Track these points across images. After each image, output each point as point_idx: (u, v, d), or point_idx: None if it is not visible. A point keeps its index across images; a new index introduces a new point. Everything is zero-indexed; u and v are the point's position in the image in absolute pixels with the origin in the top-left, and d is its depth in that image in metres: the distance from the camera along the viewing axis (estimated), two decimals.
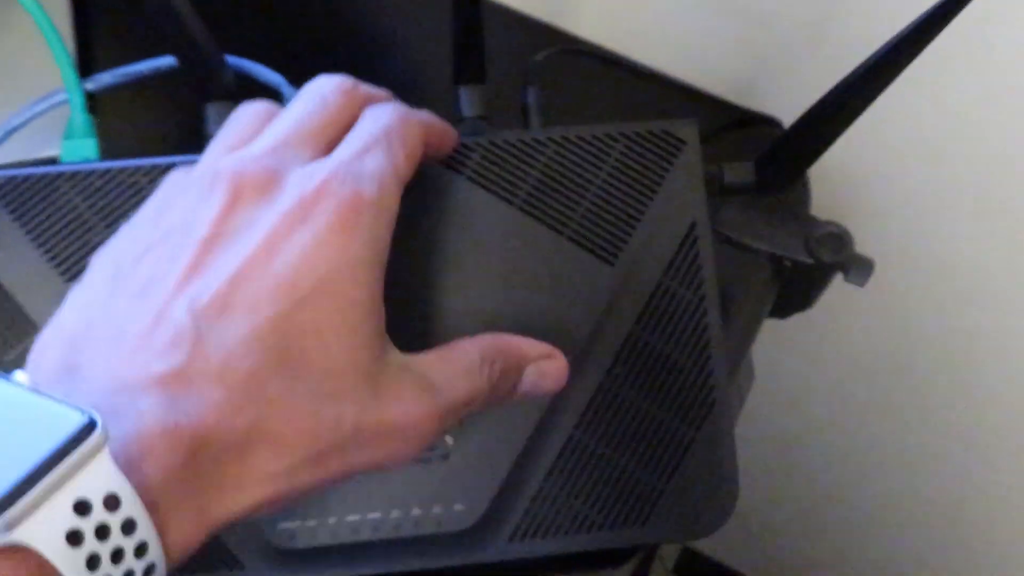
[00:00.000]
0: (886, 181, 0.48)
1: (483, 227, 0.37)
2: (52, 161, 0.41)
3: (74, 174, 0.37)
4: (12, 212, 0.36)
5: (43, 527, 0.21)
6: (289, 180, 0.29)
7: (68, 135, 0.40)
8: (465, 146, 0.37)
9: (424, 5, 0.50)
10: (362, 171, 0.29)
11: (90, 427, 0.22)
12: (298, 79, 0.42)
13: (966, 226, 0.48)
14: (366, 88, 0.33)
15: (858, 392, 0.64)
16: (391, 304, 0.30)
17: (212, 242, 0.27)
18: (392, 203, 0.30)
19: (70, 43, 0.46)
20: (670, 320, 0.37)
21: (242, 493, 0.25)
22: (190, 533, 0.24)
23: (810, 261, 0.44)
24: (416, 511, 0.35)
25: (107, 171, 0.37)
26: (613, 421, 0.36)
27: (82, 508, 0.21)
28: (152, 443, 0.23)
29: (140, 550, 0.23)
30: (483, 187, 0.37)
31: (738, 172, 0.38)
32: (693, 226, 0.37)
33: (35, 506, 0.21)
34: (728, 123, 0.48)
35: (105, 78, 0.42)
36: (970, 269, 0.50)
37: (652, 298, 0.37)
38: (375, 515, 0.35)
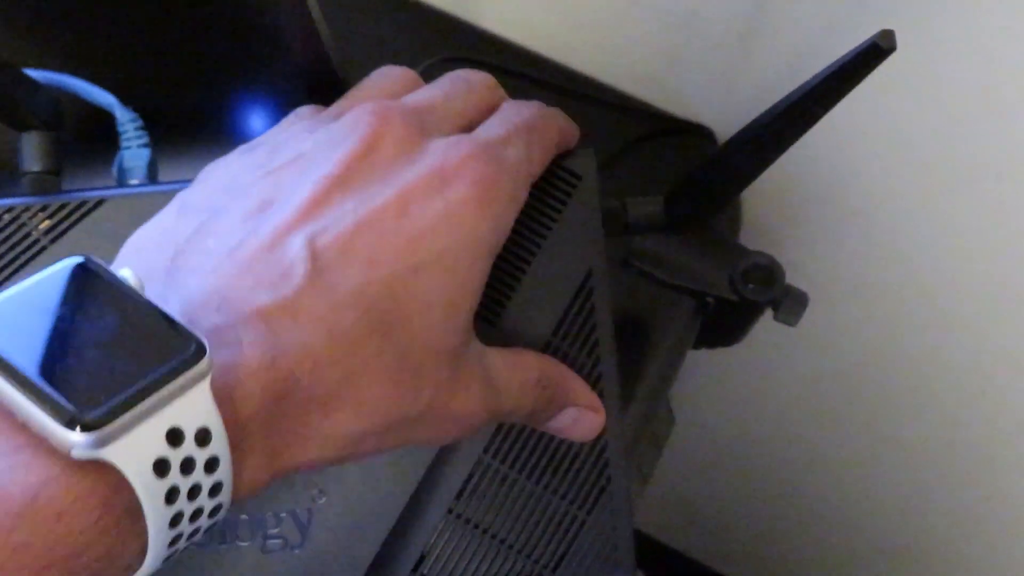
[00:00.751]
0: (827, 196, 0.43)
1: None
2: None
3: None
4: None
5: (133, 451, 0.20)
6: (433, 144, 0.28)
7: None
8: None
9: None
10: (504, 157, 0.28)
11: (199, 354, 0.20)
12: (136, 99, 0.37)
13: (920, 239, 0.43)
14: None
15: (812, 406, 0.60)
16: None
17: (343, 182, 0.26)
18: (522, 196, 0.29)
19: None
20: None
21: (312, 447, 0.24)
22: (257, 478, 0.23)
23: (735, 298, 0.39)
24: None
25: None
26: (494, 501, 0.31)
27: (174, 438, 0.20)
28: (248, 378, 0.22)
29: (215, 490, 0.21)
30: None
31: (643, 209, 0.33)
32: (588, 276, 0.32)
33: (130, 427, 0.19)
34: (652, 131, 0.43)
35: None
36: (923, 287, 0.46)
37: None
38: None
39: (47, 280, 0.21)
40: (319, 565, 0.31)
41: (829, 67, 0.25)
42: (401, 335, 0.25)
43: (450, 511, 0.31)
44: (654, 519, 0.82)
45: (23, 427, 0.20)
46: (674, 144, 0.45)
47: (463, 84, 0.31)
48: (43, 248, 0.31)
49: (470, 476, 0.32)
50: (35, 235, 0.31)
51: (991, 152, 0.40)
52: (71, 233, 0.31)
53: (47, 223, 0.32)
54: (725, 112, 0.41)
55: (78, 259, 0.22)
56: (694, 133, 0.44)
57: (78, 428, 0.19)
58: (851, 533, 0.69)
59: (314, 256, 0.24)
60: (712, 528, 0.78)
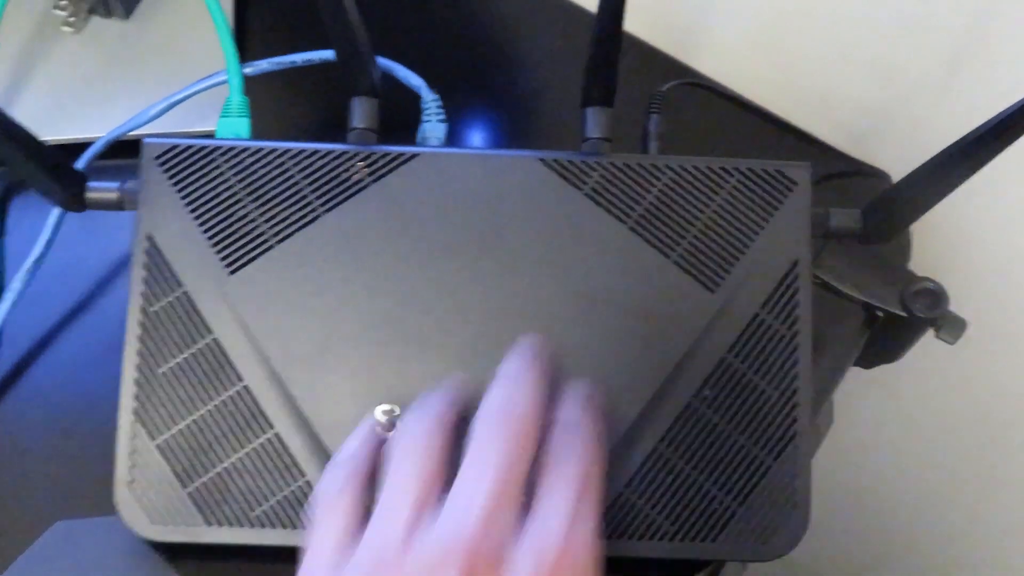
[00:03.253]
0: (990, 241, 0.48)
1: (595, 242, 0.39)
2: (208, 136, 0.44)
3: (228, 149, 0.40)
4: (170, 177, 0.40)
5: None
6: (518, 552, 0.27)
7: (225, 113, 0.43)
8: (587, 164, 0.39)
9: (557, 23, 0.53)
10: (582, 533, 0.28)
11: None
12: (437, 83, 0.45)
13: None
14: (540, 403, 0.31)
15: (938, 451, 0.64)
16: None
17: None
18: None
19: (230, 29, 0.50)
20: (762, 352, 0.39)
21: None
22: None
23: (903, 314, 0.45)
24: None
25: (259, 150, 0.40)
26: (696, 440, 0.38)
27: None
28: None
29: None
30: (599, 204, 0.39)
31: (845, 218, 0.40)
32: (795, 265, 0.39)
33: None
34: (838, 171, 0.49)
35: (263, 65, 0.45)
36: None
37: (747, 328, 0.39)
38: None
39: None
40: None
41: (1014, 104, 0.31)
42: None
43: (660, 441, 0.38)
44: None
45: None
46: (853, 184, 0.51)
47: (509, 443, 0.29)
48: (366, 186, 0.40)
49: (679, 416, 0.38)
50: (359, 175, 0.40)
51: None
52: (388, 178, 0.40)
53: (367, 168, 0.40)
54: (903, 160, 0.47)
55: None
56: (873, 176, 0.50)
57: None
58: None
59: None
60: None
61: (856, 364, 0.49)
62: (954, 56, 0.43)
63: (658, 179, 0.39)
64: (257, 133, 0.45)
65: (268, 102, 0.47)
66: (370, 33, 0.40)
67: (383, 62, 0.43)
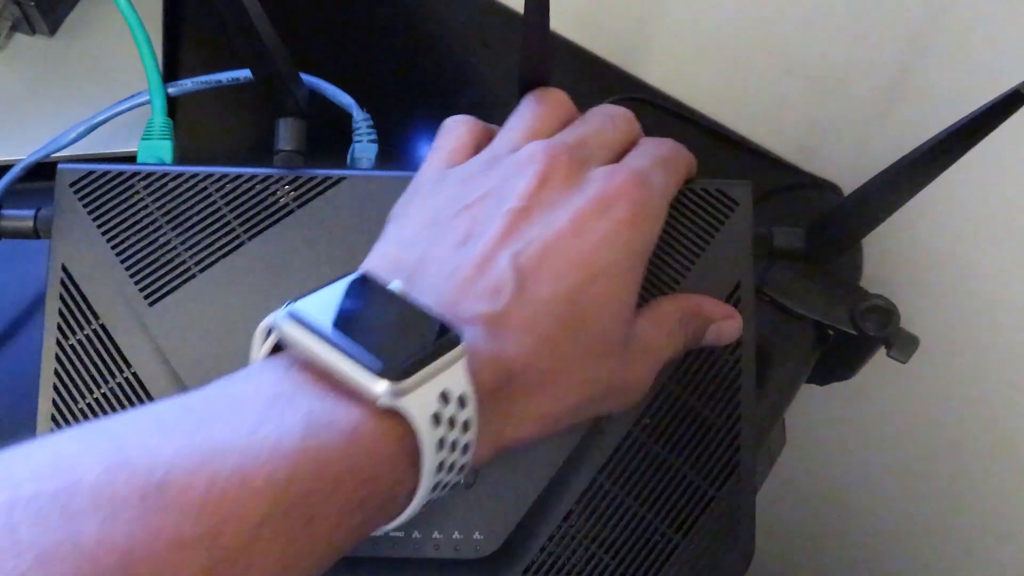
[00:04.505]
0: (944, 253, 0.47)
1: None
2: (130, 158, 0.43)
3: (147, 174, 0.38)
4: (86, 204, 0.38)
5: (418, 404, 0.25)
6: (594, 173, 0.33)
7: (147, 136, 0.42)
8: None
9: (500, 38, 0.51)
10: (651, 182, 0.34)
11: (456, 340, 0.26)
12: (369, 102, 0.43)
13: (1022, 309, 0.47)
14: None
15: (894, 463, 0.63)
16: None
17: (527, 211, 0.32)
18: (663, 215, 0.34)
19: (159, 47, 0.48)
20: (704, 378, 0.37)
21: (524, 425, 0.30)
22: (487, 449, 0.29)
23: (853, 332, 0.44)
24: (437, 535, 0.36)
25: (179, 175, 0.38)
26: (636, 471, 0.37)
27: (444, 398, 0.26)
28: (481, 365, 0.28)
29: (466, 448, 0.27)
30: None
31: (788, 237, 0.39)
32: (737, 287, 0.38)
33: (416, 385, 0.25)
34: (786, 184, 0.48)
35: (187, 84, 0.43)
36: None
37: (690, 355, 0.37)
38: (397, 533, 0.36)
39: (340, 285, 0.28)
40: (485, 504, 0.36)
41: (967, 115, 0.30)
42: (586, 331, 0.31)
43: (599, 474, 0.36)
44: None
45: (334, 382, 0.25)
46: (803, 196, 0.50)
47: (608, 119, 0.37)
48: (291, 211, 0.38)
49: (619, 446, 0.37)
50: (284, 200, 0.38)
51: None
52: (315, 202, 0.38)
53: (293, 193, 0.38)
54: (853, 172, 0.46)
55: (360, 272, 0.29)
56: (823, 188, 0.49)
57: (383, 380, 0.25)
58: None
59: (515, 274, 0.30)
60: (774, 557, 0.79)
61: (810, 381, 0.48)
62: (901, 68, 0.42)
63: None
64: (187, 155, 0.43)
65: (199, 122, 0.45)
66: (298, 51, 0.38)
67: (310, 80, 0.42)
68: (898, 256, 0.48)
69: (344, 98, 0.43)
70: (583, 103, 0.43)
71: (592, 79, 0.51)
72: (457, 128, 0.37)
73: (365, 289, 0.28)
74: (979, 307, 0.48)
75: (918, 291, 0.48)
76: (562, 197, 0.32)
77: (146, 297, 0.37)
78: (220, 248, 0.38)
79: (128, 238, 0.38)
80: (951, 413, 0.54)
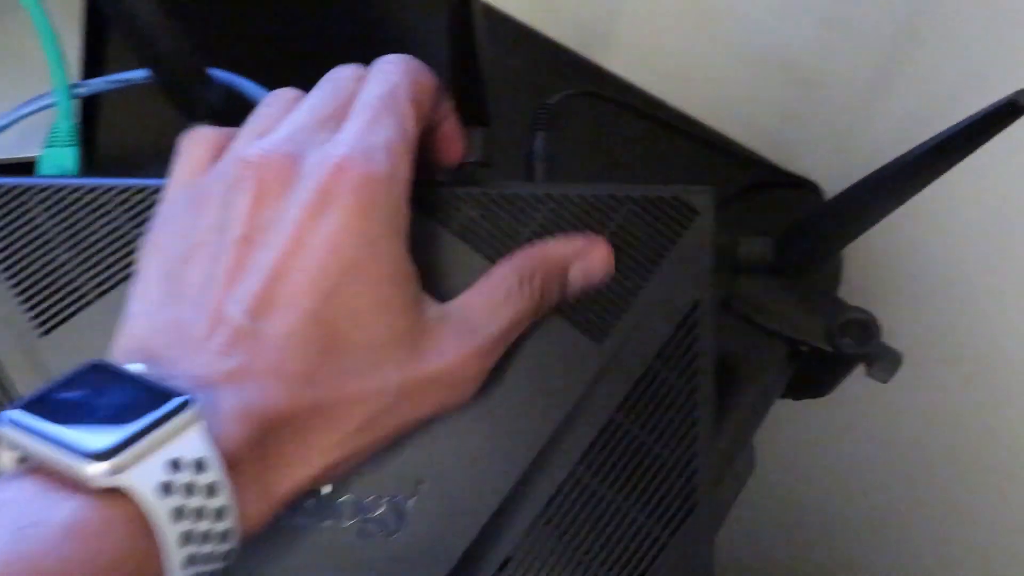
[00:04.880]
0: (929, 263, 0.43)
1: (464, 287, 0.34)
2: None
3: (43, 188, 0.35)
4: None
5: (142, 476, 0.24)
6: (307, 165, 0.29)
7: (51, 142, 0.38)
8: (454, 196, 0.34)
9: (429, 35, 0.47)
10: (373, 145, 0.30)
11: (186, 404, 0.25)
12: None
13: (1014, 320, 0.43)
14: None
15: (874, 479, 0.59)
16: None
17: (247, 241, 0.29)
18: (405, 170, 0.30)
19: (75, 44, 0.44)
20: (656, 409, 0.33)
21: (303, 466, 0.28)
22: (260, 507, 0.27)
23: (829, 349, 0.40)
24: None
25: (77, 188, 0.35)
26: (580, 515, 0.33)
27: (175, 465, 0.24)
28: (230, 425, 0.26)
29: (220, 513, 0.25)
30: (467, 242, 0.34)
31: (756, 248, 0.35)
32: (695, 307, 0.34)
33: (136, 459, 0.24)
34: (760, 182, 0.44)
35: (98, 84, 0.40)
36: (1013, 369, 0.46)
37: (639, 383, 0.33)
38: None
39: (72, 375, 0.26)
40: (411, 554, 0.32)
41: (961, 122, 0.26)
42: (347, 347, 0.28)
43: (539, 518, 0.33)
44: None
45: (50, 473, 0.24)
46: (780, 195, 0.46)
47: (331, 86, 0.32)
48: None
49: (560, 487, 0.33)
50: None
51: None
52: None
53: None
54: (833, 169, 0.42)
55: (94, 361, 0.27)
56: (801, 187, 0.45)
57: (94, 461, 0.23)
58: None
59: (245, 320, 0.28)
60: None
61: (783, 397, 0.44)
62: (880, 63, 0.38)
63: (536, 212, 0.34)
64: (106, 162, 0.40)
65: (121, 125, 0.41)
66: (219, 47, 0.35)
67: (224, 77, 0.38)
68: (881, 263, 0.44)
69: (261, 94, 0.38)
70: (538, 96, 0.39)
71: (551, 67, 0.47)
72: (191, 142, 0.33)
73: (94, 375, 0.27)
74: (966, 316, 0.44)
75: (901, 299, 0.44)
76: (280, 208, 0.29)
77: (39, 326, 0.33)
78: (121, 270, 0.34)
79: (20, 260, 0.34)
80: (938, 426, 0.51)
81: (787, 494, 0.62)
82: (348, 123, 0.31)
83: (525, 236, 0.34)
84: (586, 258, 0.33)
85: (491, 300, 0.31)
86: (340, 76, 0.33)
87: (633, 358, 0.33)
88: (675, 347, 0.34)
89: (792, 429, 0.56)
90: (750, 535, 0.65)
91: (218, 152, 0.33)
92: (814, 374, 0.41)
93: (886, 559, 0.63)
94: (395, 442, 0.31)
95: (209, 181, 0.31)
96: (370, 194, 0.29)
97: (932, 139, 0.29)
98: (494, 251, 0.34)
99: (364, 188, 0.29)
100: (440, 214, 0.34)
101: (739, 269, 0.35)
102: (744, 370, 0.41)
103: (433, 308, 0.31)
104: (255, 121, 0.33)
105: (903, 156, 0.30)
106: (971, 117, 0.26)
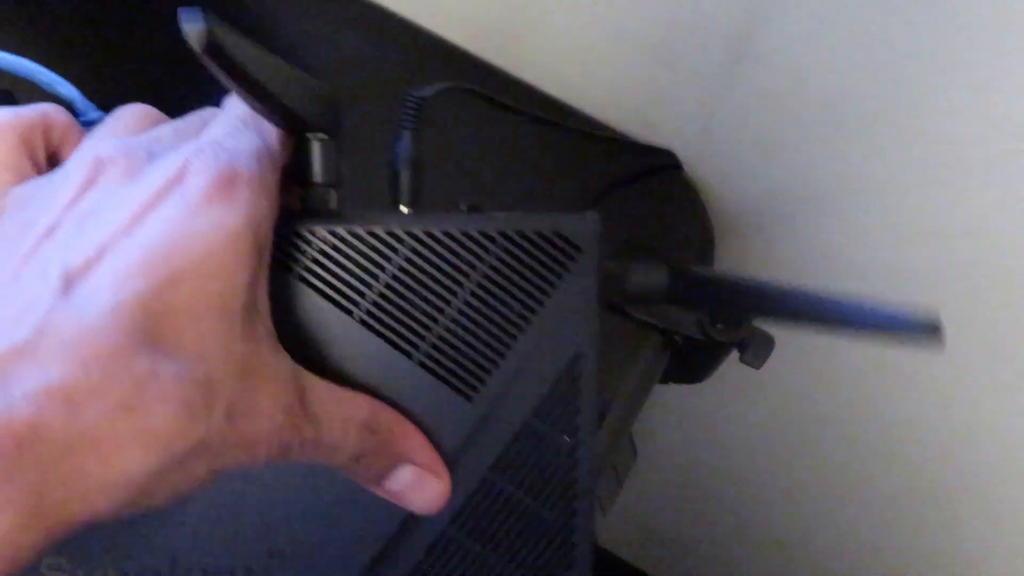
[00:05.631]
0: (800, 239, 0.41)
1: (313, 339, 0.28)
2: None
3: None
4: None
5: None
6: (159, 159, 0.25)
7: None
8: (299, 235, 0.28)
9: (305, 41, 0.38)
10: (237, 147, 0.25)
11: None
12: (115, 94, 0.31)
13: (892, 292, 0.42)
14: None
15: (772, 441, 0.60)
16: None
17: (68, 216, 0.24)
18: (272, 182, 0.25)
19: None
20: (534, 467, 0.28)
21: (93, 496, 0.21)
22: (21, 537, 0.20)
23: (701, 338, 0.38)
24: None
25: None
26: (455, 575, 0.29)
27: None
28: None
29: None
30: (316, 291, 0.28)
31: (648, 277, 0.30)
32: (576, 359, 0.28)
33: None
34: (631, 174, 0.39)
35: None
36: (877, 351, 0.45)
37: (516, 440, 0.28)
38: None
39: None
40: None
41: (878, 313, 0.23)
42: (175, 349, 0.22)
43: None
44: (613, 536, 0.82)
45: None
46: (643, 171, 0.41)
47: (194, 116, 0.28)
48: None
49: (431, 548, 0.30)
50: None
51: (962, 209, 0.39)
52: None
53: None
54: (690, 140, 0.39)
55: None
56: (661, 160, 0.40)
57: None
58: (808, 559, 0.71)
59: (50, 288, 0.22)
60: (672, 547, 0.78)
61: (662, 382, 0.42)
62: (734, 43, 0.34)
63: (394, 252, 0.28)
64: None
65: None
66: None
67: (10, 62, 0.28)
68: (753, 241, 0.41)
69: (64, 88, 0.30)
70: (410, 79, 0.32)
71: (431, 62, 0.39)
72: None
73: None
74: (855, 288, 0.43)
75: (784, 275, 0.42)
76: (120, 191, 0.24)
77: None
78: None
79: None
80: (811, 406, 0.51)
81: (674, 465, 0.62)
82: (208, 129, 0.26)
83: (382, 281, 0.28)
84: (424, 477, 0.28)
85: (337, 412, 0.26)
86: (198, 114, 0.28)
87: (509, 415, 0.28)
88: (554, 403, 0.28)
89: (673, 407, 0.55)
90: (646, 502, 0.65)
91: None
92: (689, 361, 0.39)
93: (772, 517, 0.66)
94: (241, 506, 0.27)
95: (42, 180, 0.26)
96: (229, 186, 0.24)
97: (845, 309, 0.25)
98: (347, 300, 0.27)
99: (223, 179, 0.24)
100: (283, 256, 0.28)
101: (630, 300, 0.31)
102: (620, 362, 0.38)
103: (284, 358, 0.25)
104: (110, 125, 0.28)
105: (812, 298, 0.26)
106: (890, 315, 0.22)
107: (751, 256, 0.43)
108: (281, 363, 0.25)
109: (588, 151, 0.39)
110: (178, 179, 0.23)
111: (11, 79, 0.29)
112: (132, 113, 0.28)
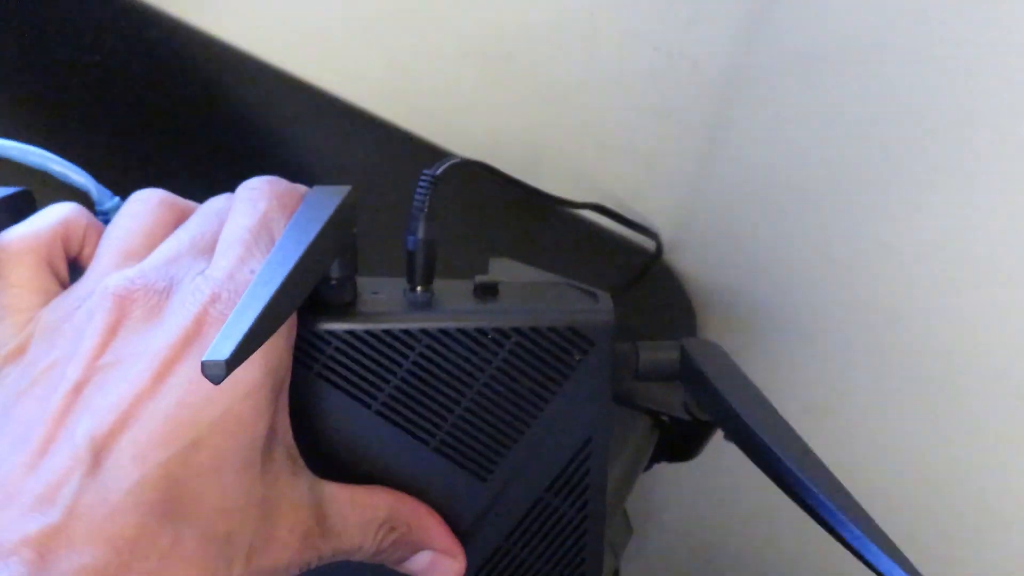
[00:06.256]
0: (785, 315, 0.43)
1: (333, 431, 0.28)
2: None
3: None
4: None
5: None
6: (177, 297, 0.25)
7: None
8: (316, 335, 0.29)
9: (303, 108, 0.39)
10: (246, 281, 0.25)
11: None
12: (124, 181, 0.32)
13: (862, 377, 0.44)
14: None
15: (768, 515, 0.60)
16: None
17: (93, 372, 0.23)
18: None
19: None
20: (545, 537, 0.30)
21: None
22: None
23: (687, 418, 0.39)
24: None
25: None
26: None
27: None
28: None
29: None
30: (334, 385, 0.29)
31: (659, 355, 0.30)
32: (588, 442, 0.29)
33: None
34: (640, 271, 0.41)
35: None
36: (874, 422, 0.47)
37: (528, 513, 0.29)
38: None
39: None
40: None
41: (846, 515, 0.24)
42: (195, 510, 0.22)
43: None
44: None
45: None
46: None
47: (202, 218, 0.28)
48: None
49: None
50: None
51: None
52: None
53: None
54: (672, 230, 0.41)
55: None
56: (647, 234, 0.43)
57: None
58: None
59: (75, 467, 0.22)
60: None
61: (655, 461, 0.43)
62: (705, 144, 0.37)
63: (410, 349, 0.29)
64: None
65: None
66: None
67: (22, 152, 0.29)
68: (736, 324, 0.43)
69: (77, 176, 0.30)
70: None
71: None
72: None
73: None
74: (816, 367, 0.45)
75: (758, 359, 0.44)
76: (141, 342, 0.24)
77: None
78: None
79: None
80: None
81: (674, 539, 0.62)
82: (218, 258, 0.26)
83: (398, 375, 0.30)
84: (441, 560, 0.29)
85: (356, 517, 0.27)
86: (213, 207, 0.28)
87: (521, 492, 0.29)
88: (566, 481, 0.30)
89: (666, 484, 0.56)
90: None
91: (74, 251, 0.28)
92: (678, 440, 0.41)
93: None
94: None
95: (65, 309, 0.26)
96: None
97: (814, 484, 0.26)
98: (364, 394, 0.29)
99: None
100: (302, 356, 0.29)
101: (641, 378, 0.32)
102: (611, 441, 0.39)
103: (306, 475, 0.26)
104: (119, 236, 0.27)
105: (792, 465, 0.27)
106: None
107: (729, 333, 0.45)
108: (299, 486, 0.25)
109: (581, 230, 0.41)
110: (196, 331, 0.24)
111: (24, 169, 0.30)
112: (148, 210, 0.28)
